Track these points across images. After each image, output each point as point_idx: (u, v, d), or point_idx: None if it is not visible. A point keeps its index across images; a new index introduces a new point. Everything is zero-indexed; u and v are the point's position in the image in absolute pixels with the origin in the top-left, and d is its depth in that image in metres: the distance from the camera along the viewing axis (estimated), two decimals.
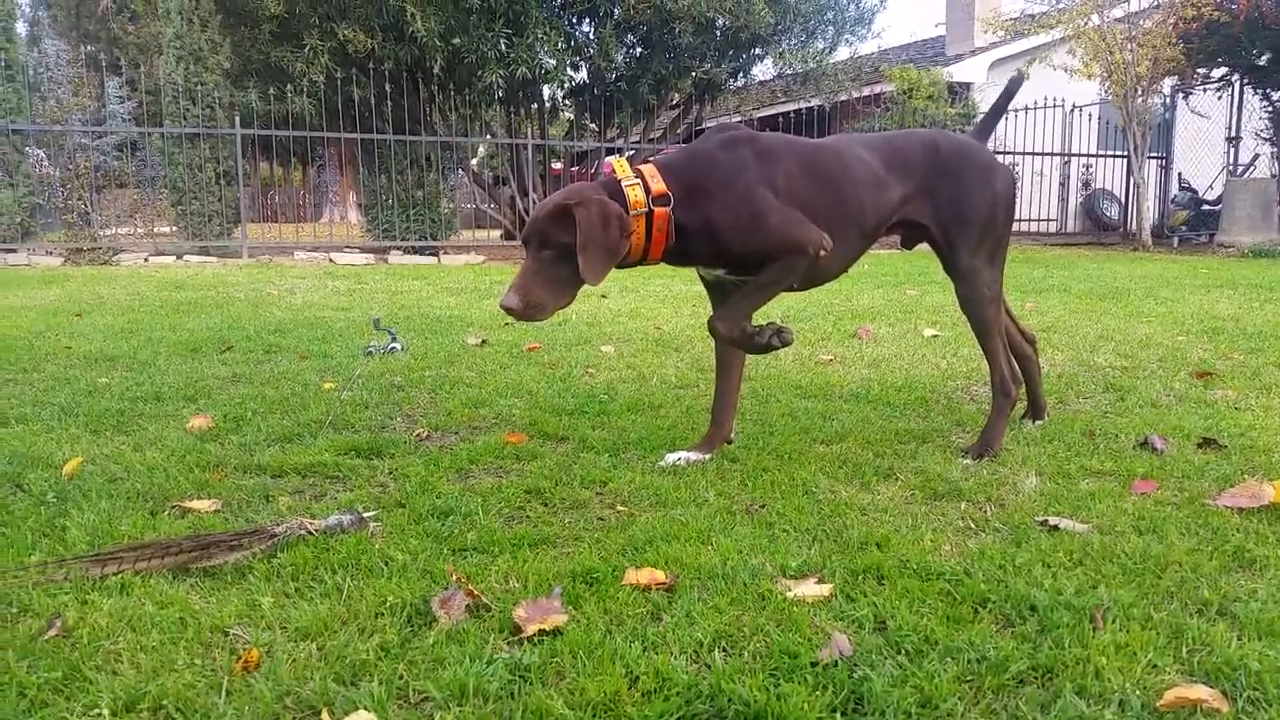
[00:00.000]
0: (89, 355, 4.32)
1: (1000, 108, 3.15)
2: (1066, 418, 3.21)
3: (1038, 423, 3.14)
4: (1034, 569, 1.89)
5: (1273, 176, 13.73)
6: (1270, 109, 14.11)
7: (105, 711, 1.36)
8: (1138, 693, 1.41)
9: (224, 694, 1.42)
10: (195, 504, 2.29)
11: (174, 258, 10.94)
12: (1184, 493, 2.38)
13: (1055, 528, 2.13)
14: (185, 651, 1.55)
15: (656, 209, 2.46)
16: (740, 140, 2.59)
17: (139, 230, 12.73)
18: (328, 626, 1.63)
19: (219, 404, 3.38)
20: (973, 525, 2.19)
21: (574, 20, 12.75)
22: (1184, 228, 14.71)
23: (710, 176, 2.52)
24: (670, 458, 2.70)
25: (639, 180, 2.48)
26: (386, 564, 1.91)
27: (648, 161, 2.57)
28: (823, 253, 2.55)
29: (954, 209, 2.80)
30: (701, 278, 2.80)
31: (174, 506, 2.27)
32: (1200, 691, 1.38)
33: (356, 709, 1.38)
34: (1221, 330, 5.08)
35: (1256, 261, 10.52)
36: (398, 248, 12.17)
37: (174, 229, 12.14)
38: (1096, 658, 1.50)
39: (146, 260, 10.73)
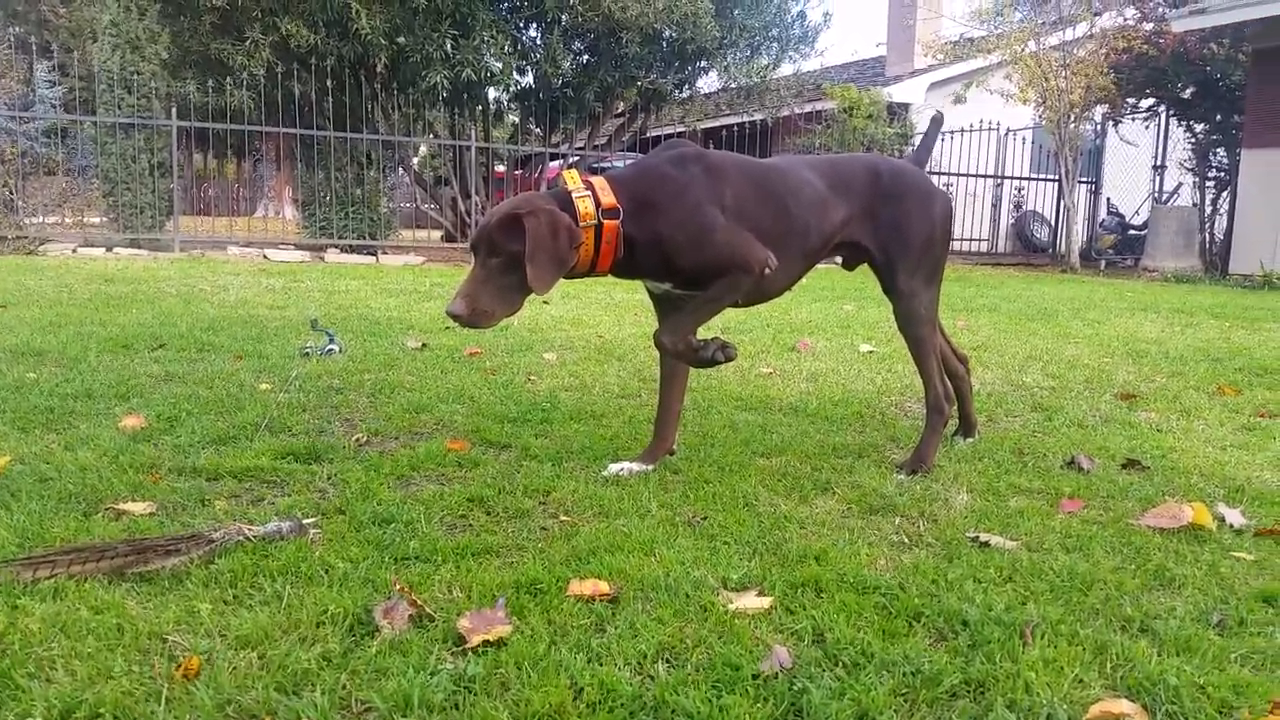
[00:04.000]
0: (14, 349, 4.21)
1: (929, 142, 3.30)
2: (996, 436, 3.29)
3: (969, 440, 3.22)
4: (966, 584, 1.94)
5: (1194, 205, 14.20)
6: (1193, 140, 14.59)
7: (39, 719, 1.34)
8: (1065, 706, 1.47)
9: (163, 702, 1.40)
10: (130, 506, 2.25)
11: (104, 249, 10.68)
12: (1109, 512, 2.47)
13: (986, 544, 2.20)
14: (122, 658, 1.52)
15: (606, 221, 2.48)
16: (690, 157, 2.62)
17: (67, 220, 12.40)
18: (268, 635, 1.62)
19: (152, 403, 3.32)
20: (907, 540, 2.24)
21: (521, 25, 12.73)
22: (1111, 251, 15.15)
23: (660, 192, 2.55)
24: (613, 468, 2.72)
25: (589, 192, 2.50)
26: (327, 572, 1.90)
27: (598, 174, 2.59)
28: (767, 271, 2.59)
29: (894, 232, 2.87)
30: (648, 290, 2.83)
31: (108, 508, 2.23)
32: (1123, 705, 1.44)
33: (300, 718, 1.37)
34: (1145, 353, 5.25)
35: (1179, 286, 10.87)
36: (335, 246, 12.01)
37: (104, 220, 11.85)
38: (1026, 672, 1.56)
39: (75, 251, 10.45)
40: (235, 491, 2.46)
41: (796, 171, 2.82)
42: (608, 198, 2.50)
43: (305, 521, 2.12)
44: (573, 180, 2.54)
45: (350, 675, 1.50)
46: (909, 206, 2.89)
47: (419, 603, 1.73)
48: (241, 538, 2.00)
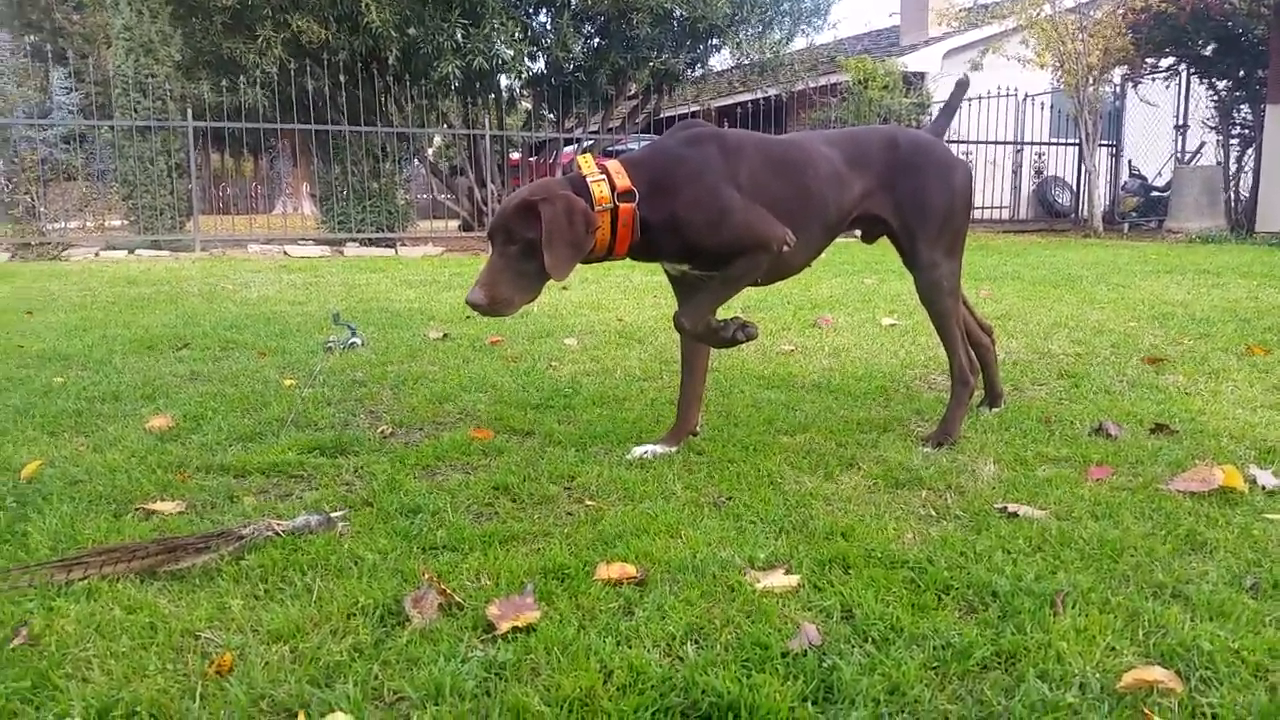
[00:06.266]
0: (42, 354, 4.25)
1: (952, 107, 3.23)
2: (1023, 405, 3.27)
3: (995, 410, 3.19)
4: (994, 555, 1.93)
5: (1218, 164, 14.00)
6: (1215, 98, 14.36)
7: (79, 718, 1.36)
8: (1098, 675, 1.46)
9: (198, 699, 1.42)
10: (159, 506, 2.27)
11: (125, 252, 10.77)
12: (1138, 478, 2.44)
13: (1014, 514, 2.18)
14: (156, 656, 1.54)
15: (622, 205, 2.47)
16: (705, 137, 2.61)
17: (89, 224, 12.51)
18: (300, 628, 1.63)
19: (178, 403, 3.35)
20: (934, 513, 2.23)
21: (531, 10, 12.70)
22: (1134, 214, 14.96)
23: (675, 173, 2.54)
24: (637, 451, 2.72)
25: (604, 176, 2.49)
26: (356, 564, 1.91)
27: (613, 158, 2.58)
28: (786, 248, 2.58)
29: (913, 204, 2.84)
30: (666, 273, 2.82)
31: (138, 509, 2.26)
32: (1156, 673, 1.43)
33: (332, 711, 1.39)
34: (1171, 316, 5.19)
35: (1204, 247, 10.73)
36: (354, 239, 12.06)
37: (125, 223, 11.94)
38: (1057, 642, 1.55)
39: (97, 255, 10.55)
40: (263, 487, 2.48)
41: (813, 146, 2.79)
42: (623, 181, 2.49)
43: (333, 515, 2.14)
44: (587, 165, 2.53)
45: (382, 665, 1.52)
46: (928, 177, 2.86)
47: (448, 591, 1.74)
48: (271, 533, 2.01)
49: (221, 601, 1.74)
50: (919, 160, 2.87)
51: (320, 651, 1.55)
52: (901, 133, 2.99)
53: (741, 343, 2.59)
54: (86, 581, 1.80)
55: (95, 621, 1.65)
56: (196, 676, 1.48)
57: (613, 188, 2.48)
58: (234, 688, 1.44)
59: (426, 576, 1.80)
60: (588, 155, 2.61)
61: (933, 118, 3.25)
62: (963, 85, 3.24)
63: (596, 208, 2.45)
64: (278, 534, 2.02)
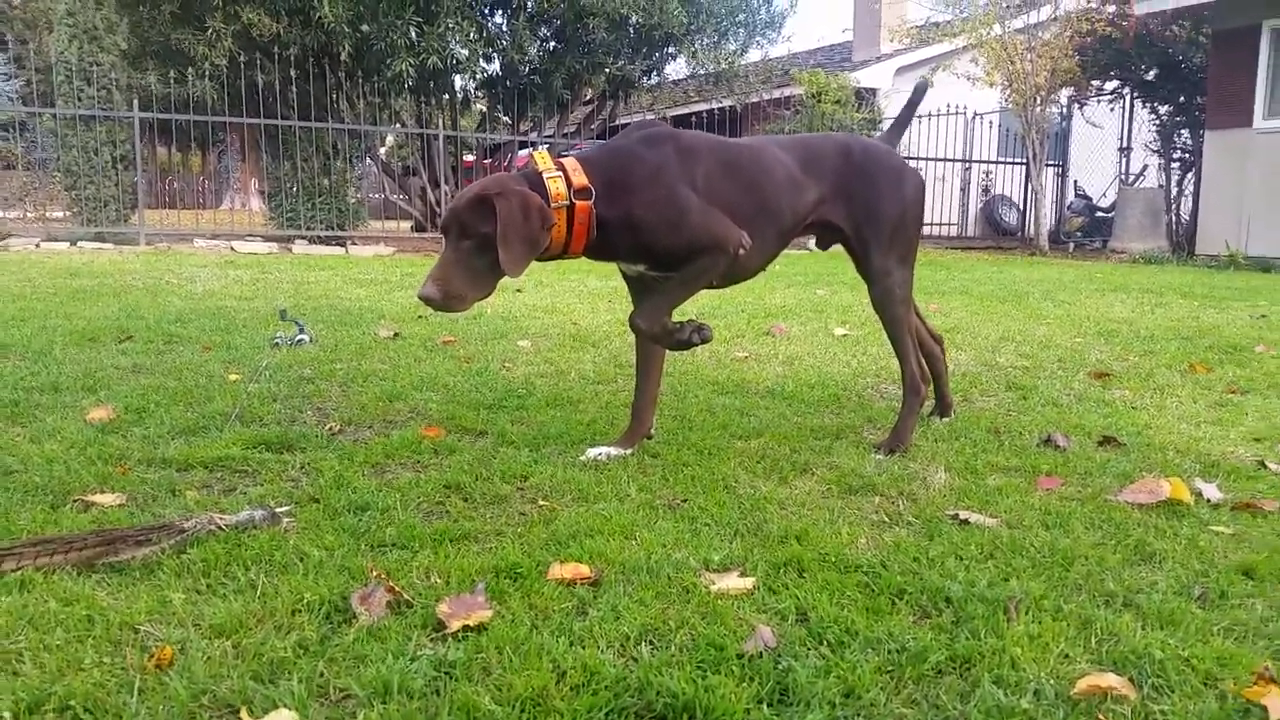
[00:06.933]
0: None
1: (907, 115, 3.25)
2: (972, 415, 3.30)
3: (945, 420, 3.22)
4: (947, 561, 1.94)
5: (1160, 187, 14.33)
6: (1158, 122, 14.72)
7: (6, 714, 1.30)
8: (1052, 681, 1.46)
9: (136, 693, 1.37)
10: (99, 498, 2.20)
11: (67, 244, 10.49)
12: (1087, 489, 2.47)
13: (965, 522, 2.19)
14: (93, 650, 1.48)
15: (578, 202, 2.46)
16: (662, 137, 2.60)
17: (29, 215, 12.19)
18: (243, 624, 1.59)
19: (120, 395, 3.26)
20: (887, 519, 2.23)
21: (487, 11, 12.62)
22: (1079, 234, 15.26)
23: (632, 172, 2.52)
24: (591, 452, 2.70)
25: (561, 173, 2.47)
26: (302, 560, 1.86)
27: (569, 155, 2.56)
28: (742, 251, 2.57)
29: (866, 211, 2.86)
30: (623, 273, 2.80)
31: (76, 500, 2.18)
32: (1110, 679, 1.44)
33: (277, 707, 1.34)
34: (1117, 333, 5.29)
35: (1147, 267, 10.97)
36: (303, 237, 11.87)
37: (67, 214, 11.65)
38: (1011, 648, 1.55)
39: (38, 246, 10.26)
40: (206, 482, 2.41)
41: (769, 151, 2.80)
42: (579, 178, 2.47)
43: (279, 510, 2.09)
44: (544, 161, 2.51)
45: (328, 663, 1.48)
46: (881, 186, 2.88)
47: (397, 589, 1.70)
48: (214, 527, 1.96)
49: (162, 595, 1.69)
50: (872, 168, 2.89)
51: (264, 647, 1.51)
52: (855, 140, 3.01)
53: (697, 345, 2.58)
54: (20, 573, 1.73)
55: (28, 614, 1.59)
56: (135, 670, 1.43)
57: (569, 185, 2.46)
58: (174, 682, 1.39)
59: (375, 574, 1.77)
60: (544, 151, 2.59)
61: (891, 123, 3.25)
62: (921, 89, 3.25)
63: (552, 204, 2.43)
64: (221, 528, 1.97)
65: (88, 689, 1.36)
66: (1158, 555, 2.01)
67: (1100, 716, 1.37)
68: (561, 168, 2.49)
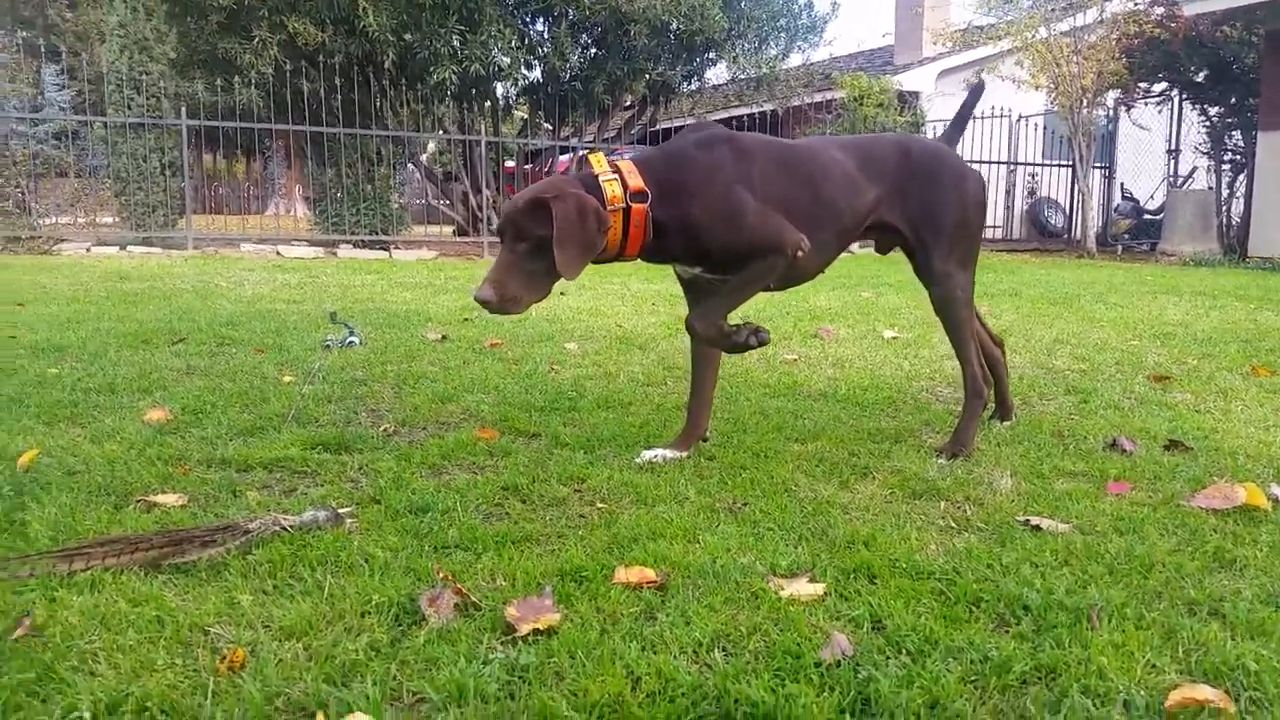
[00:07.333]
0: (35, 345, 4.17)
1: (965, 113, 3.17)
2: (1033, 419, 3.23)
3: (1006, 423, 3.16)
4: (1022, 568, 1.88)
5: (1209, 189, 14.08)
6: (1207, 124, 14.47)
7: (86, 714, 1.29)
8: (1142, 692, 1.41)
9: (210, 695, 1.36)
10: (161, 498, 2.20)
11: (117, 248, 10.65)
12: (1158, 494, 2.41)
13: (1037, 527, 2.14)
14: (165, 651, 1.48)
15: (634, 205, 2.43)
16: (717, 139, 2.57)
17: (80, 220, 12.39)
18: (313, 625, 1.58)
19: (176, 396, 3.28)
20: (955, 524, 2.18)
21: (529, 19, 12.66)
22: (1127, 236, 15.03)
23: (688, 174, 2.49)
24: (646, 454, 2.67)
25: (616, 176, 2.44)
26: (367, 561, 1.85)
27: (625, 158, 2.54)
28: (800, 253, 2.53)
29: (926, 213, 2.81)
30: (678, 276, 2.77)
31: (139, 501, 2.19)
32: (1205, 692, 1.38)
33: (351, 711, 1.33)
34: (1173, 335, 5.18)
35: (1198, 270, 10.76)
36: (347, 241, 11.97)
37: (117, 219, 11.83)
38: (1097, 657, 1.50)
39: (89, 250, 10.43)
40: (266, 482, 2.41)
41: (826, 152, 2.75)
42: (635, 181, 2.44)
43: (341, 511, 2.08)
44: (599, 164, 2.49)
45: (400, 665, 1.46)
46: (941, 186, 2.83)
47: (464, 591, 1.69)
48: (278, 528, 1.95)
49: (230, 596, 1.68)
50: (932, 168, 2.83)
51: (335, 649, 1.49)
52: (914, 141, 2.96)
53: (754, 348, 2.54)
54: (89, 573, 1.73)
55: (100, 614, 1.59)
56: (208, 672, 1.42)
57: (625, 187, 2.43)
58: (247, 684, 1.38)
59: (441, 575, 1.75)
60: (600, 154, 2.57)
61: (949, 124, 3.19)
62: (978, 89, 3.19)
63: (609, 207, 2.40)
64: (285, 529, 1.96)
65: (162, 690, 1.36)
66: (1238, 562, 1.95)
67: None
68: (617, 170, 2.46)
